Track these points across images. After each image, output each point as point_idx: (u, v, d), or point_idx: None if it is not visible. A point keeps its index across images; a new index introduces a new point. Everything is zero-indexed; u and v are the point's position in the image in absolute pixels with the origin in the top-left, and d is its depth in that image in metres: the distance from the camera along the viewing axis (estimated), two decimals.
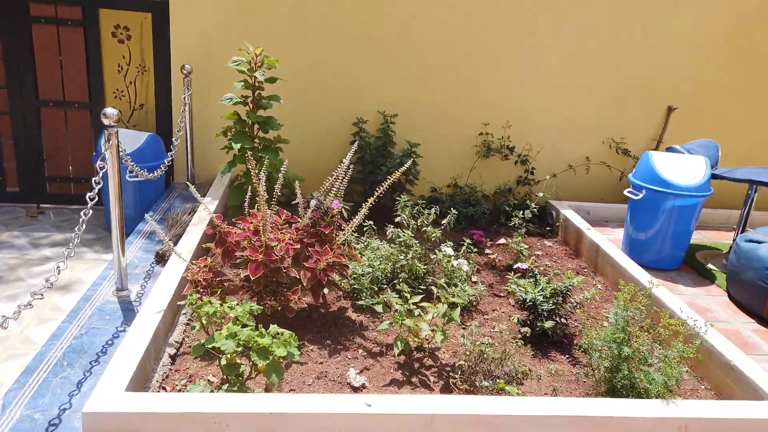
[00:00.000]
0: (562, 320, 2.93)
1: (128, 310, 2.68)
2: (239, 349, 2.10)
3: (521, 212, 3.92)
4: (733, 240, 3.88)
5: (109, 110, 2.53)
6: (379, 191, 2.83)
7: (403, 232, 3.29)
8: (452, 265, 3.18)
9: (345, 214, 3.06)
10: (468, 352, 2.55)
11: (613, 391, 2.40)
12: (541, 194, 4.48)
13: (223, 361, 2.14)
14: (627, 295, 2.47)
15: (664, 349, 2.42)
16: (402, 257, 3.20)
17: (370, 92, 4.58)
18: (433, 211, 3.46)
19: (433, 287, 3.11)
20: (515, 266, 3.54)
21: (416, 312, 2.64)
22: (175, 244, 3.18)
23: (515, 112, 4.79)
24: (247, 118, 3.63)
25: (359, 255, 3.13)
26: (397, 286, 3.00)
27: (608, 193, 5.05)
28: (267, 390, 2.24)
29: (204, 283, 2.60)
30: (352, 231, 2.90)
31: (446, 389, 2.47)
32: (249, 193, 3.03)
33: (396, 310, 2.59)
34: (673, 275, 3.88)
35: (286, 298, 2.71)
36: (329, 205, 2.85)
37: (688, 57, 4.81)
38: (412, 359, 2.65)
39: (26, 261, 3.65)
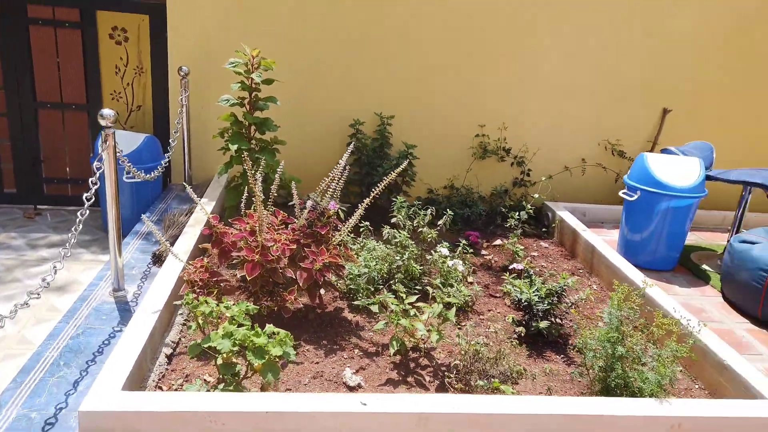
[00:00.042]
0: (557, 320, 2.94)
1: (125, 311, 2.69)
2: (235, 348, 2.11)
3: (517, 213, 3.94)
4: (728, 241, 3.90)
5: (106, 111, 2.54)
6: (375, 192, 2.84)
7: (399, 232, 3.31)
8: (448, 266, 3.20)
9: (341, 215, 3.08)
10: (463, 352, 2.57)
11: (607, 390, 2.41)
12: (536, 195, 4.51)
13: (219, 361, 2.16)
14: (621, 295, 2.49)
15: (658, 348, 2.44)
16: (398, 258, 3.22)
17: (367, 93, 4.60)
18: (429, 212, 3.48)
19: (429, 288, 3.13)
20: (511, 267, 3.56)
21: (412, 312, 2.65)
22: (172, 245, 3.19)
23: (511, 113, 4.81)
24: (243, 119, 3.65)
25: (355, 256, 3.14)
26: (393, 287, 3.02)
27: (604, 195, 5.07)
28: (263, 389, 2.25)
29: (200, 284, 2.61)
30: (349, 232, 2.92)
31: (442, 389, 2.48)
32: (245, 194, 3.04)
33: (392, 311, 2.61)
34: (668, 276, 3.90)
35: (282, 299, 2.72)
36: (325, 206, 2.87)
37: (684, 59, 4.84)
38: (408, 359, 2.66)
39: (23, 262, 3.66)
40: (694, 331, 2.62)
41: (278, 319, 2.73)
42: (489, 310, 3.20)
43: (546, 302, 2.89)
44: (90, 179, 2.49)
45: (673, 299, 3.07)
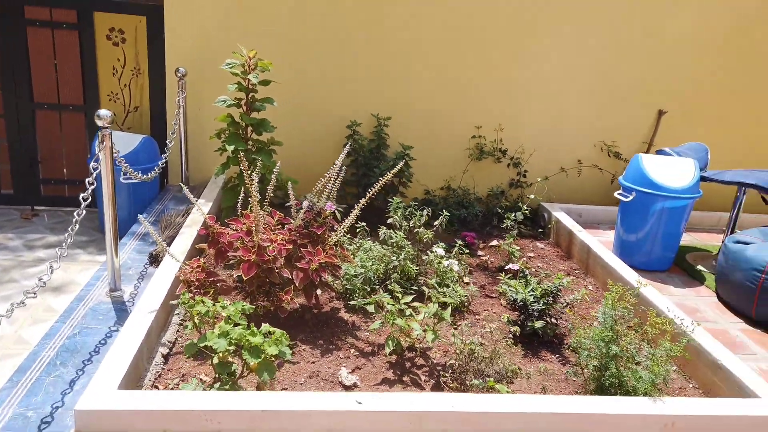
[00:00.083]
0: (553, 320, 2.96)
1: (121, 310, 2.69)
2: (231, 347, 2.12)
3: (513, 214, 3.96)
4: (722, 242, 3.92)
5: (103, 112, 2.56)
6: (371, 192, 2.85)
7: (395, 233, 3.32)
8: (443, 266, 3.21)
9: (338, 215, 3.09)
10: (458, 351, 2.58)
11: (601, 389, 2.42)
12: (532, 196, 4.52)
13: (216, 360, 2.17)
14: (615, 294, 2.50)
15: (652, 348, 2.45)
16: (394, 258, 3.23)
17: (364, 94, 4.61)
18: (425, 212, 3.50)
19: (425, 288, 3.14)
20: (507, 267, 3.57)
21: (408, 312, 2.67)
22: (169, 245, 3.20)
23: (508, 115, 4.83)
24: (240, 120, 3.66)
25: (352, 256, 3.15)
26: (389, 287, 3.03)
27: (600, 196, 5.09)
28: (259, 388, 2.26)
29: (197, 283, 2.62)
30: (345, 232, 2.93)
31: (437, 388, 2.49)
32: (242, 195, 3.05)
33: (388, 310, 2.62)
34: (663, 276, 3.92)
35: (278, 299, 2.73)
36: (322, 206, 2.88)
37: (681, 60, 4.87)
38: (404, 359, 2.67)
39: (20, 263, 3.66)
40: (687, 331, 2.64)
41: (275, 319, 2.74)
42: (485, 311, 3.21)
43: (541, 302, 2.90)
44: (87, 179, 2.50)
45: (667, 299, 3.09)
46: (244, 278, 2.60)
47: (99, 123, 2.56)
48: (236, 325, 2.21)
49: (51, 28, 4.33)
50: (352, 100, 4.60)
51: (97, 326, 2.55)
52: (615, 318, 2.44)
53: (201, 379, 2.36)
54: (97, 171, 2.57)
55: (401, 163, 3.24)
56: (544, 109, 4.85)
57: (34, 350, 2.34)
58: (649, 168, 3.86)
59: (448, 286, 3.17)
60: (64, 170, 4.65)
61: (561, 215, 4.43)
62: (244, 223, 2.78)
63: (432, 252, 3.33)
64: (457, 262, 3.26)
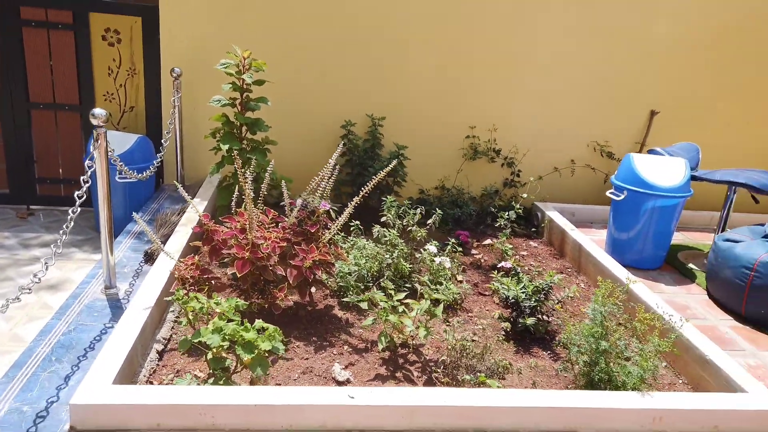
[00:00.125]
0: (544, 317, 2.99)
1: (116, 308, 2.71)
2: (225, 343, 2.14)
3: (506, 213, 3.99)
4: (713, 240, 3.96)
5: (98, 111, 2.58)
6: (364, 191, 2.88)
7: (389, 231, 3.35)
8: (436, 264, 3.24)
9: (333, 214, 3.12)
10: (450, 347, 2.61)
11: (591, 385, 2.46)
12: (525, 195, 4.56)
13: (210, 356, 2.19)
14: (604, 291, 2.54)
15: (641, 343, 2.49)
16: (388, 256, 3.26)
17: (359, 95, 4.64)
18: (418, 211, 3.53)
19: (418, 285, 3.17)
20: (499, 265, 3.60)
21: (401, 309, 2.69)
22: (164, 244, 3.22)
23: (501, 115, 4.87)
24: (235, 119, 3.68)
25: (346, 254, 3.18)
26: (382, 284, 3.06)
27: (593, 195, 5.13)
28: (252, 383, 2.29)
29: (191, 281, 2.64)
30: (339, 230, 2.96)
31: (430, 383, 2.52)
32: (236, 193, 3.07)
33: (381, 307, 2.65)
34: (655, 274, 3.96)
35: (272, 296, 2.75)
36: (316, 205, 2.91)
37: (673, 61, 4.91)
38: (397, 355, 2.70)
39: (16, 261, 3.68)
40: (676, 326, 2.67)
41: (269, 316, 2.76)
42: (478, 308, 3.24)
43: (533, 299, 2.94)
44: (82, 177, 2.52)
45: (656, 296, 3.13)
46: (238, 275, 2.63)
47: (94, 122, 2.59)
48: (230, 321, 2.24)
49: (47, 29, 4.34)
50: (347, 100, 4.63)
51: (92, 323, 2.57)
52: (604, 314, 2.47)
53: (195, 375, 2.38)
54: (92, 169, 2.59)
55: (394, 162, 3.27)
56: (538, 109, 4.89)
57: (30, 346, 2.36)
58: (640, 167, 3.90)
59: (441, 283, 3.20)
60: (60, 170, 4.66)
61: (554, 214, 4.47)
62: (239, 221, 2.80)
63: (425, 250, 3.36)
64: (449, 260, 3.30)
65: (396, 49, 4.58)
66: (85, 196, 2.49)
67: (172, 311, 2.84)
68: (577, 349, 2.50)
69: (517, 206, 4.04)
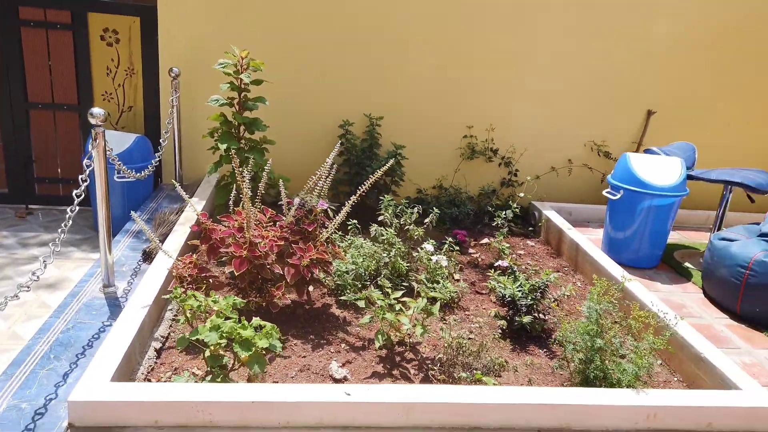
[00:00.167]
0: (541, 315, 3.01)
1: (115, 306, 2.73)
2: (222, 341, 2.16)
3: (504, 212, 4.01)
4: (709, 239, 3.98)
5: (96, 110, 2.59)
6: (362, 190, 2.90)
7: (386, 230, 3.37)
8: (433, 262, 3.26)
9: (331, 213, 3.13)
10: (446, 345, 2.62)
11: (586, 382, 2.48)
12: (522, 195, 4.58)
13: (207, 353, 2.20)
14: (600, 289, 2.55)
15: (636, 341, 2.50)
16: (385, 255, 3.27)
17: (357, 94, 4.66)
18: (415, 210, 3.54)
19: (415, 284, 3.19)
20: (496, 264, 3.62)
21: (398, 307, 2.71)
22: (163, 242, 3.23)
23: (499, 115, 4.89)
24: (233, 119, 3.70)
25: (343, 253, 3.20)
26: (379, 282, 3.07)
27: (590, 195, 5.15)
28: (250, 381, 2.30)
29: (189, 279, 2.66)
30: (336, 229, 2.97)
31: (426, 381, 2.53)
32: (234, 192, 3.09)
33: (378, 306, 2.66)
34: (651, 273, 3.97)
35: (270, 294, 2.77)
36: (314, 204, 2.92)
37: (671, 61, 4.93)
38: (394, 353, 2.71)
39: (14, 260, 3.69)
40: (670, 324, 2.69)
41: (266, 314, 2.78)
42: (475, 307, 3.26)
43: (529, 298, 2.95)
44: (80, 176, 2.53)
45: (651, 294, 3.15)
46: (236, 274, 2.64)
47: (92, 121, 2.60)
48: (227, 318, 2.25)
49: (45, 29, 4.35)
50: (347, 100, 4.65)
51: (90, 321, 2.58)
52: (600, 312, 2.49)
53: (193, 373, 2.40)
54: (91, 168, 2.61)
55: (392, 161, 3.29)
56: (535, 109, 4.91)
57: (28, 344, 2.37)
58: (636, 167, 3.92)
59: (438, 282, 3.22)
60: (59, 169, 4.67)
61: (551, 214, 4.49)
62: (236, 220, 2.82)
63: (422, 248, 3.38)
64: (445, 258, 3.31)
65: (396, 49, 4.60)
66: (83, 195, 2.50)
67: (170, 309, 2.85)
68: (572, 346, 2.52)
69: (514, 205, 4.06)
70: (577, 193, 5.15)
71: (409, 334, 2.76)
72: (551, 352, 2.87)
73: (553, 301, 3.11)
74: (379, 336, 2.60)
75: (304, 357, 2.62)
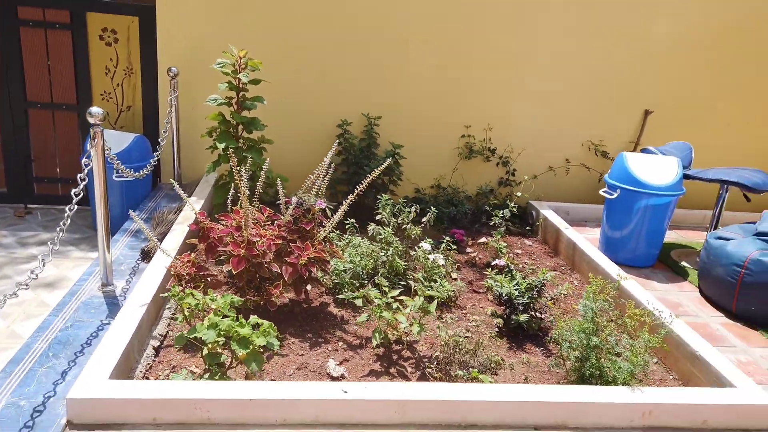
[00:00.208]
0: (538, 314, 3.02)
1: (113, 304, 2.74)
2: (220, 339, 2.17)
3: (501, 212, 4.03)
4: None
5: (95, 109, 2.60)
6: (359, 188, 2.91)
7: (384, 229, 3.38)
8: (430, 261, 3.27)
9: (329, 213, 3.15)
10: (443, 343, 2.64)
11: (582, 380, 2.49)
12: (519, 194, 4.59)
13: (205, 351, 2.22)
14: (596, 287, 2.57)
15: (632, 339, 2.52)
16: (383, 254, 3.29)
17: (355, 94, 4.67)
18: (413, 209, 3.56)
19: (412, 283, 3.20)
20: (493, 263, 3.63)
21: (395, 306, 2.72)
22: (161, 241, 3.24)
23: (496, 115, 4.90)
24: (231, 118, 3.71)
25: (341, 251, 3.21)
26: (377, 281, 3.09)
27: (587, 194, 5.17)
28: (248, 379, 2.31)
29: (187, 278, 2.67)
30: (334, 228, 2.99)
31: (423, 379, 2.55)
32: (232, 191, 3.10)
33: (375, 304, 2.68)
34: (647, 272, 3.99)
35: (268, 293, 2.78)
36: (312, 203, 2.93)
37: (668, 61, 4.94)
38: (391, 351, 2.73)
39: (13, 259, 3.70)
40: (666, 322, 2.71)
41: (265, 313, 2.79)
42: (472, 305, 3.28)
43: (526, 296, 2.97)
44: (78, 175, 2.55)
45: (647, 293, 3.16)
46: (234, 272, 2.66)
47: (90, 120, 2.61)
48: (225, 317, 2.26)
49: (44, 28, 4.37)
50: (347, 100, 4.66)
51: (89, 320, 2.60)
52: (596, 310, 2.50)
53: (191, 371, 2.41)
54: (89, 167, 2.62)
55: (389, 160, 3.30)
56: (533, 108, 4.92)
57: (27, 342, 2.38)
58: (633, 166, 3.93)
59: (435, 281, 3.24)
60: (57, 169, 4.69)
61: (549, 213, 4.50)
62: (234, 219, 2.83)
63: (419, 247, 3.39)
64: (442, 257, 3.33)
65: (396, 49, 4.61)
66: (82, 194, 2.52)
67: (169, 308, 2.86)
68: (568, 344, 2.53)
69: (512, 205, 4.07)
70: (574, 192, 5.17)
71: (406, 333, 2.77)
72: (548, 350, 2.88)
73: (550, 300, 3.12)
74: (377, 334, 2.62)
75: (302, 355, 2.63)
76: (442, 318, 3.04)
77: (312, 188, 2.97)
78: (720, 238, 3.59)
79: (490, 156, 4.96)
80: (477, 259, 3.91)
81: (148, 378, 2.35)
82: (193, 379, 2.24)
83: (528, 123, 4.95)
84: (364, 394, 2.14)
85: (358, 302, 2.86)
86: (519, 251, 4.17)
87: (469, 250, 4.07)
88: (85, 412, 1.99)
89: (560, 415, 2.23)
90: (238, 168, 2.80)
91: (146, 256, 3.28)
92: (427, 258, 3.29)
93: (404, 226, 3.51)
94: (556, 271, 3.84)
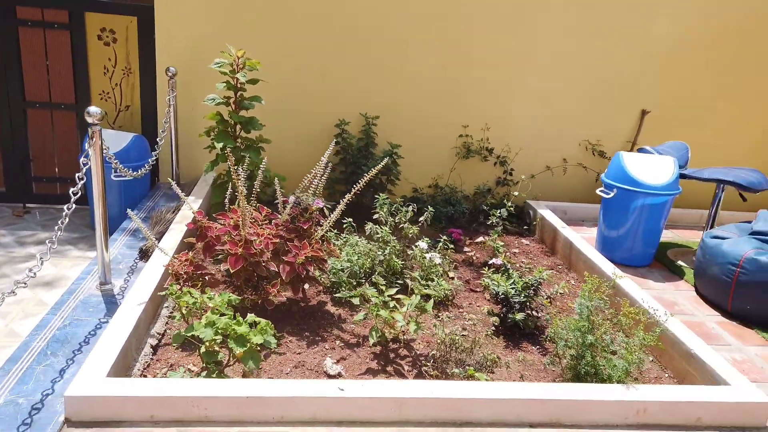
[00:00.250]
0: (534, 313, 3.04)
1: (111, 303, 2.75)
2: (218, 337, 2.19)
3: (498, 211, 4.04)
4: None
5: (93, 109, 2.61)
6: (356, 188, 2.93)
7: (381, 228, 3.39)
8: (427, 259, 3.29)
9: (326, 212, 3.16)
10: (440, 342, 2.65)
11: (578, 378, 2.51)
12: (516, 193, 4.61)
13: (203, 349, 2.23)
14: (591, 286, 2.58)
15: (627, 337, 2.53)
16: (380, 253, 3.30)
17: (353, 94, 4.68)
18: (410, 208, 3.57)
19: (409, 281, 3.21)
20: (490, 262, 3.65)
21: (392, 304, 2.74)
22: (159, 240, 3.26)
23: (494, 115, 4.92)
24: (229, 118, 3.73)
25: (338, 251, 3.22)
26: (374, 279, 3.10)
27: (585, 194, 5.19)
28: (245, 377, 2.33)
29: (185, 276, 2.68)
30: (331, 227, 3.00)
31: (420, 377, 2.56)
32: (230, 190, 3.11)
33: (373, 303, 2.69)
34: (644, 271, 4.01)
35: (266, 292, 2.79)
36: (309, 202, 2.95)
37: (666, 61, 4.96)
38: (388, 350, 2.74)
39: (11, 258, 3.71)
40: (661, 320, 2.72)
41: (262, 311, 2.80)
42: (469, 304, 3.29)
43: (522, 295, 2.98)
44: (77, 174, 2.56)
45: (643, 291, 3.18)
46: (231, 271, 2.67)
47: (89, 120, 2.62)
48: (222, 315, 2.28)
49: (43, 28, 4.38)
50: (347, 100, 4.67)
51: (87, 318, 2.61)
52: (591, 309, 2.52)
53: (189, 369, 2.42)
54: (87, 167, 2.63)
55: (386, 159, 3.32)
56: (530, 108, 4.94)
57: (26, 341, 2.39)
58: (629, 165, 3.95)
59: (432, 280, 3.25)
60: (56, 168, 4.70)
61: (546, 212, 4.52)
62: (232, 218, 2.84)
63: (416, 246, 3.41)
64: (438, 255, 3.34)
65: (396, 49, 4.63)
66: (80, 193, 2.53)
67: (167, 307, 2.87)
68: (564, 343, 2.54)
69: (509, 204, 4.08)
70: (572, 192, 5.18)
71: (403, 331, 2.78)
72: (544, 348, 2.90)
73: (546, 299, 3.14)
74: (374, 333, 2.63)
75: (299, 354, 2.65)
76: (438, 316, 3.05)
77: (309, 187, 2.98)
78: (716, 237, 3.61)
79: (487, 156, 4.98)
80: (474, 258, 3.92)
81: (145, 376, 2.36)
82: (191, 377, 2.25)
83: (526, 123, 4.97)
84: (361, 391, 2.16)
85: (356, 301, 2.87)
86: (516, 250, 4.19)
87: (466, 249, 4.08)
88: (83, 410, 2.00)
89: (555, 413, 2.25)
90: (235, 167, 2.81)
91: (144, 255, 3.29)
92: (424, 257, 3.30)
93: (401, 226, 3.53)
94: (553, 270, 3.86)
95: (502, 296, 3.01)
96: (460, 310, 3.21)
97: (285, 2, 4.41)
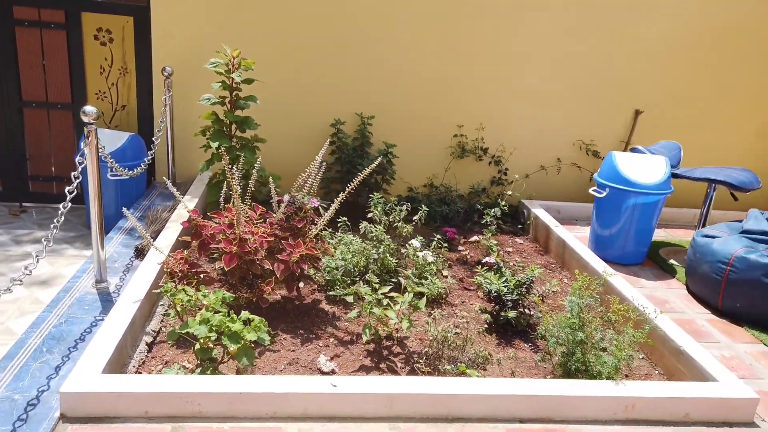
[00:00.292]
0: (526, 310, 3.07)
1: (107, 301, 2.77)
2: (212, 334, 2.21)
3: (493, 210, 4.08)
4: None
5: (88, 108, 2.64)
6: (351, 187, 2.95)
7: (375, 227, 3.42)
8: (420, 257, 3.32)
9: (321, 211, 3.19)
10: (432, 339, 2.68)
11: (568, 374, 2.54)
12: (510, 193, 4.64)
13: (197, 346, 2.26)
14: (582, 283, 2.62)
15: (618, 334, 2.57)
16: (374, 251, 3.33)
17: (348, 94, 4.70)
18: (404, 207, 3.60)
19: (403, 279, 3.24)
20: (484, 260, 3.68)
21: (385, 302, 2.77)
22: (155, 239, 3.28)
23: (489, 114, 4.94)
24: (225, 117, 3.75)
25: (333, 249, 3.25)
26: (367, 278, 3.13)
27: (578, 193, 5.22)
28: (239, 373, 2.35)
29: (180, 274, 2.71)
30: (326, 226, 3.03)
31: (412, 374, 2.59)
32: (225, 189, 3.14)
33: (367, 301, 2.72)
34: (636, 270, 4.04)
35: (260, 290, 2.82)
36: (304, 201, 2.97)
37: (659, 62, 4.99)
38: (381, 347, 2.77)
39: (8, 257, 3.73)
40: (650, 317, 2.76)
41: (257, 309, 2.83)
42: (462, 302, 3.32)
43: (515, 293, 3.02)
44: (72, 173, 2.58)
45: (633, 289, 3.21)
46: (226, 269, 2.69)
47: (85, 119, 2.65)
48: (217, 312, 2.30)
49: (39, 28, 4.39)
50: (347, 100, 4.70)
51: (82, 316, 2.63)
52: (581, 306, 2.55)
53: (184, 366, 2.44)
54: (83, 165, 2.65)
55: (380, 158, 3.35)
56: (525, 108, 4.97)
57: (21, 338, 2.42)
58: (622, 165, 3.98)
59: (426, 278, 3.28)
60: (52, 167, 4.71)
61: (540, 212, 4.55)
62: (227, 217, 2.87)
63: (410, 245, 3.44)
64: (431, 254, 3.37)
65: (395, 49, 4.65)
66: (76, 192, 2.55)
67: (162, 305, 2.90)
68: (554, 339, 2.58)
69: (503, 203, 4.12)
70: (565, 191, 5.22)
71: (396, 329, 2.81)
72: (535, 345, 2.93)
73: (538, 297, 3.17)
74: (367, 330, 2.66)
75: (293, 351, 2.67)
76: (431, 314, 3.08)
77: (304, 187, 3.01)
78: (706, 236, 3.65)
79: (482, 155, 5.01)
80: (468, 256, 3.95)
81: (140, 373, 2.39)
82: (186, 374, 2.28)
83: (520, 123, 5.00)
84: (352, 387, 2.19)
85: (350, 299, 2.90)
86: (510, 249, 4.22)
87: (460, 248, 4.11)
88: (78, 406, 2.02)
89: (545, 409, 2.28)
90: (230, 166, 2.84)
91: (140, 253, 3.32)
92: (417, 255, 3.33)
93: (395, 224, 3.56)
94: (545, 268, 3.89)
95: (495, 294, 3.04)
96: (454, 308, 3.24)
97: (285, 2, 4.43)
